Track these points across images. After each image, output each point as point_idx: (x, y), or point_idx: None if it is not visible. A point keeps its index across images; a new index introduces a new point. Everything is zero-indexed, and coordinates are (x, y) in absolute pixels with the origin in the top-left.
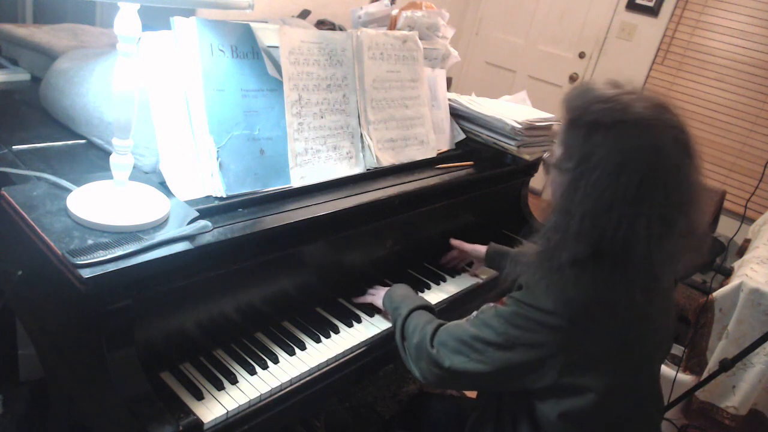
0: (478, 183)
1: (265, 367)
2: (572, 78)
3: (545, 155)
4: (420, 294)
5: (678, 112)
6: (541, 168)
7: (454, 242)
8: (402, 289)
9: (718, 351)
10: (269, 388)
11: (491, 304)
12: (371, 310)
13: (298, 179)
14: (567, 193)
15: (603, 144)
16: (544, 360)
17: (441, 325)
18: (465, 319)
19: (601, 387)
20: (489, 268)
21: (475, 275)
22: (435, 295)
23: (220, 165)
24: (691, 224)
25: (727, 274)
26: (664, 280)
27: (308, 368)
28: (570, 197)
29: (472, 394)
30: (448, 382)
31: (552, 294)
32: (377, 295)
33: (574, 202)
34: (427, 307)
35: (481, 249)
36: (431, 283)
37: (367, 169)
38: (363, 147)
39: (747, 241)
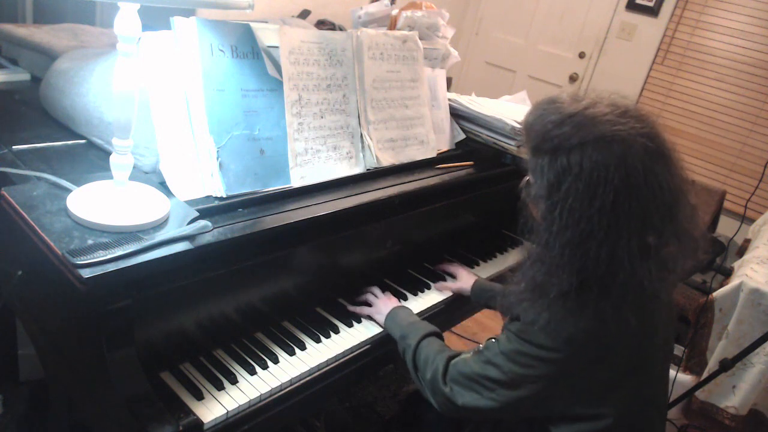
0: (478, 183)
1: (265, 367)
2: (572, 78)
3: (522, 184)
4: (420, 294)
5: (645, 114)
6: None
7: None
8: (404, 313)
9: (718, 351)
10: (269, 388)
11: (493, 340)
12: None
13: (298, 179)
14: (545, 225)
15: (569, 169)
16: (550, 393)
17: (450, 358)
18: (472, 351)
19: (616, 412)
20: (476, 303)
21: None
22: (435, 296)
23: (220, 165)
24: (680, 227)
25: (727, 274)
26: (662, 291)
27: (308, 368)
28: (548, 228)
29: None
30: (462, 415)
31: (548, 331)
32: (376, 308)
33: (552, 233)
34: (434, 333)
35: (466, 286)
36: (431, 283)
37: (367, 169)
38: (363, 147)
39: (747, 241)
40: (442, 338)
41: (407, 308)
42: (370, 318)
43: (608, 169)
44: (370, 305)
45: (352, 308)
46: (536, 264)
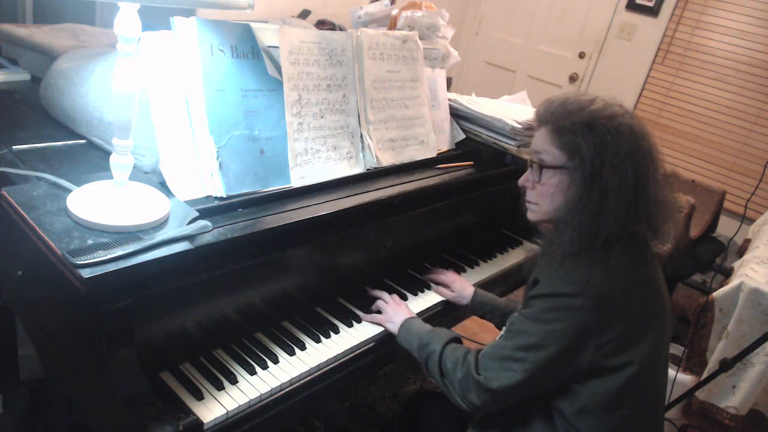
0: (478, 183)
1: (265, 367)
2: (572, 78)
3: (533, 159)
4: (420, 294)
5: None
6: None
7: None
8: (417, 323)
9: (718, 351)
10: (269, 388)
11: (516, 314)
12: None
13: (298, 179)
14: (585, 186)
15: (609, 134)
16: (579, 346)
17: (479, 352)
18: (498, 338)
19: (640, 360)
20: (473, 314)
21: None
22: (434, 296)
23: (220, 165)
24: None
25: (727, 274)
26: (657, 248)
27: (308, 368)
28: (590, 187)
29: None
30: (498, 402)
31: (567, 279)
32: (387, 315)
33: (602, 191)
34: (456, 339)
35: (462, 297)
36: (431, 283)
37: (367, 169)
38: (363, 147)
39: (747, 241)
40: (461, 343)
41: (418, 318)
42: (380, 324)
43: (639, 134)
44: (380, 311)
45: (365, 317)
46: (575, 220)
